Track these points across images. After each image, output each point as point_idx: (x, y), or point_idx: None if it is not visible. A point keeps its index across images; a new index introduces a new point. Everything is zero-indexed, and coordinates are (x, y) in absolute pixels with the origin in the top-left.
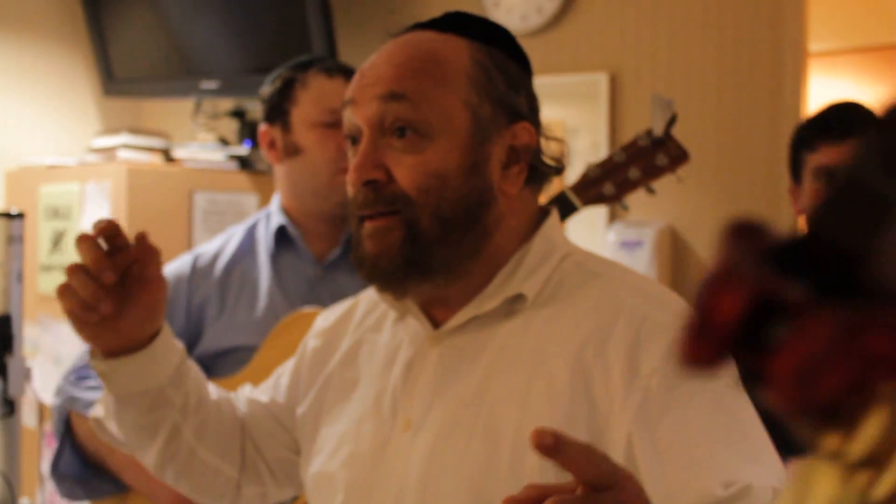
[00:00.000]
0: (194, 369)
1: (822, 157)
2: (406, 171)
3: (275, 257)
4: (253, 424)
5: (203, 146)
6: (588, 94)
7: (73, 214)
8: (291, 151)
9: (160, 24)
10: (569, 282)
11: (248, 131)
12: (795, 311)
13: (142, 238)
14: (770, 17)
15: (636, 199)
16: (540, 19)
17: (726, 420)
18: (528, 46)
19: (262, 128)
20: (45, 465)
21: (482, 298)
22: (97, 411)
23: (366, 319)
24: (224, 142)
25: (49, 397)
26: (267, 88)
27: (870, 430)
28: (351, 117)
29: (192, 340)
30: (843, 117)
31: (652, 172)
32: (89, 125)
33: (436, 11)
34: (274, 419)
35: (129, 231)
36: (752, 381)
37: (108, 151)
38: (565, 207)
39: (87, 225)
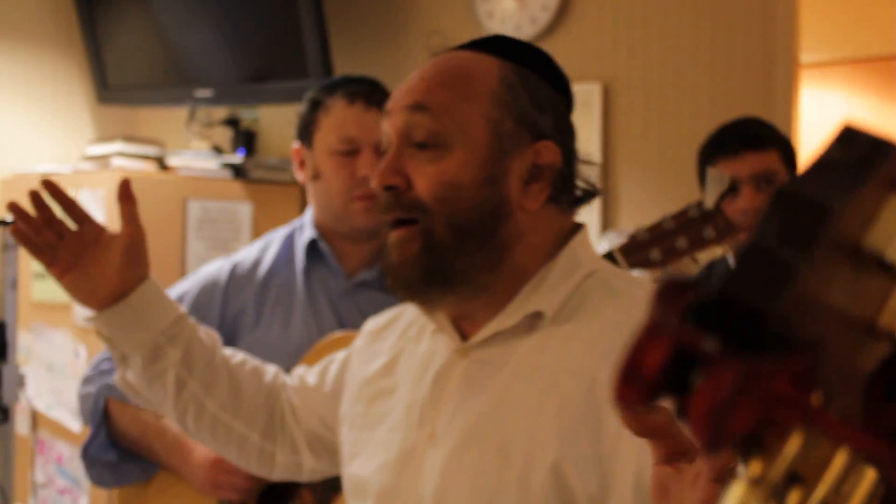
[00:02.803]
0: (203, 333)
1: (720, 169)
2: (424, 179)
3: (307, 271)
4: (297, 397)
5: (197, 154)
6: (581, 103)
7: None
8: (313, 175)
9: (154, 32)
10: (591, 299)
11: (242, 140)
12: (709, 361)
13: (123, 185)
14: (761, 28)
15: (627, 208)
16: (533, 29)
17: None
18: None
19: (295, 146)
20: (38, 473)
21: (505, 314)
22: (128, 376)
23: (409, 330)
24: (218, 150)
25: (42, 404)
26: (301, 106)
27: (786, 455)
28: (385, 128)
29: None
30: (738, 134)
31: (698, 244)
32: (83, 133)
33: (431, 21)
34: (314, 399)
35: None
36: (681, 418)
37: (103, 159)
38: None
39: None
